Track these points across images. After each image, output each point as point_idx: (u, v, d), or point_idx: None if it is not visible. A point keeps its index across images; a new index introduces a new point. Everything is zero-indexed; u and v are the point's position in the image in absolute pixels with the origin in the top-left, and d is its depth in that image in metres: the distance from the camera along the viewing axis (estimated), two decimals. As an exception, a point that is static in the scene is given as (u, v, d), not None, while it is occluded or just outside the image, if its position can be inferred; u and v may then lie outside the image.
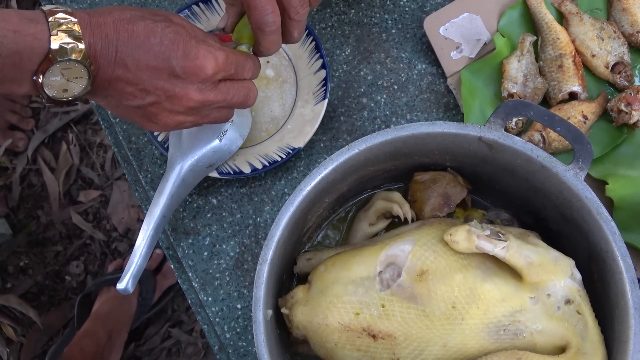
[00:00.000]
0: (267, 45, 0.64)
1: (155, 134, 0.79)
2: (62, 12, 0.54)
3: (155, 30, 0.57)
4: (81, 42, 0.54)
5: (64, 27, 0.53)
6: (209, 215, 0.81)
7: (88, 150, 1.70)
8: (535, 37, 0.80)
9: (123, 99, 0.59)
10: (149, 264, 1.52)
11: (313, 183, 0.62)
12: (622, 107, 0.75)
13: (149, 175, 0.83)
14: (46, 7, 0.54)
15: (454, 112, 0.82)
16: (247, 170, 0.78)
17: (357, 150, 0.62)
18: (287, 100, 0.82)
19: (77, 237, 1.65)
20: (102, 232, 1.65)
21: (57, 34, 0.53)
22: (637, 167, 0.76)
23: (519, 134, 0.78)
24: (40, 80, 0.53)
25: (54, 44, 0.52)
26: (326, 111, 0.81)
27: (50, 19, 0.53)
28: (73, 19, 0.54)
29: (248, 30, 0.65)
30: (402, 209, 0.70)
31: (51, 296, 1.62)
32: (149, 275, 1.51)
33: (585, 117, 0.76)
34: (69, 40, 0.53)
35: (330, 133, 0.82)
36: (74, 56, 0.53)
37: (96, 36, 0.55)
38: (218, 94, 0.62)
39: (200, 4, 0.82)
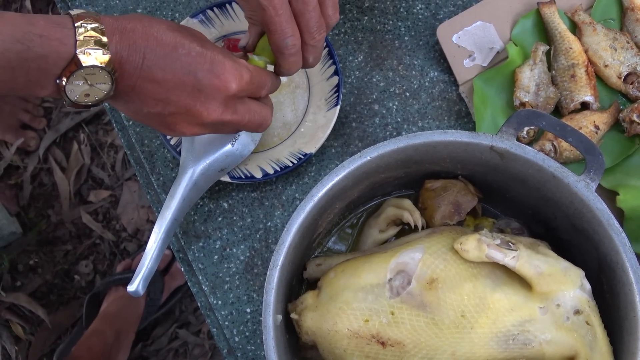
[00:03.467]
0: (288, 66, 0.65)
1: (168, 137, 0.79)
2: (89, 17, 0.53)
3: (183, 42, 0.57)
4: (106, 48, 0.53)
5: (90, 32, 0.53)
6: (219, 219, 0.81)
7: (99, 150, 1.71)
8: (548, 47, 0.80)
9: (144, 106, 0.59)
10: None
11: (324, 189, 0.62)
12: (634, 117, 0.75)
13: (161, 178, 0.83)
14: (74, 12, 0.54)
15: (466, 120, 0.82)
16: (258, 175, 0.78)
17: (368, 158, 0.62)
18: (299, 105, 0.82)
19: (86, 237, 1.66)
20: (111, 232, 1.66)
21: (83, 39, 0.52)
22: (649, 178, 0.76)
23: (530, 143, 0.78)
24: (63, 84, 0.53)
25: (79, 49, 0.52)
26: (338, 117, 0.81)
27: (77, 24, 0.53)
28: (100, 25, 0.53)
29: (269, 49, 0.65)
30: (413, 216, 0.71)
31: (60, 295, 1.63)
32: (157, 276, 1.51)
33: (597, 127, 0.76)
34: (94, 45, 0.53)
35: (342, 139, 0.83)
36: (98, 62, 0.53)
37: (123, 42, 0.55)
38: (235, 116, 0.62)
39: (215, 8, 0.82)
